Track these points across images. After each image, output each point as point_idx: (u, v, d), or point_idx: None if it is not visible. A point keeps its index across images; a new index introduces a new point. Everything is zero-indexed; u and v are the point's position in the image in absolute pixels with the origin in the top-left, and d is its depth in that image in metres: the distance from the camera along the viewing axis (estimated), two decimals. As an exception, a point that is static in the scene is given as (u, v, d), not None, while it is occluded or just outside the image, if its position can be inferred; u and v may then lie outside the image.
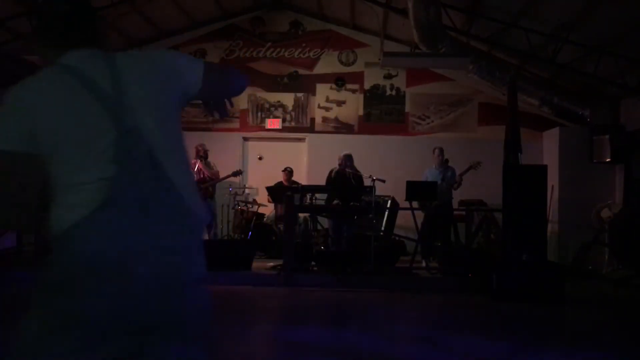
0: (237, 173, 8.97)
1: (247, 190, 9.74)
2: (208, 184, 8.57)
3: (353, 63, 10.45)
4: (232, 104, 1.80)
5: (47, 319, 1.36)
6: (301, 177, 9.78)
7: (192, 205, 1.45)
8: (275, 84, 10.47)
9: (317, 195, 8.25)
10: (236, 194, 9.35)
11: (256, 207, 9.19)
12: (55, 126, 1.35)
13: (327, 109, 10.44)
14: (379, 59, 8.86)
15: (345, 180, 7.81)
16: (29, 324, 1.39)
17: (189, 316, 1.44)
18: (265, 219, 9.27)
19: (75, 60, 1.43)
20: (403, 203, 7.88)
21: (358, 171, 7.92)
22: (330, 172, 8.05)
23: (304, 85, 10.46)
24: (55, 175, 1.36)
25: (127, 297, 1.32)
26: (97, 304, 1.31)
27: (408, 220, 8.02)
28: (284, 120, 10.42)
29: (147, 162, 1.38)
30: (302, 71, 10.47)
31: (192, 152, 8.65)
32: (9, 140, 1.33)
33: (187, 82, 1.54)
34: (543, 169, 6.64)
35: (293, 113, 10.46)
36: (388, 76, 10.39)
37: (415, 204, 7.68)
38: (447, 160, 8.27)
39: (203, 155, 8.72)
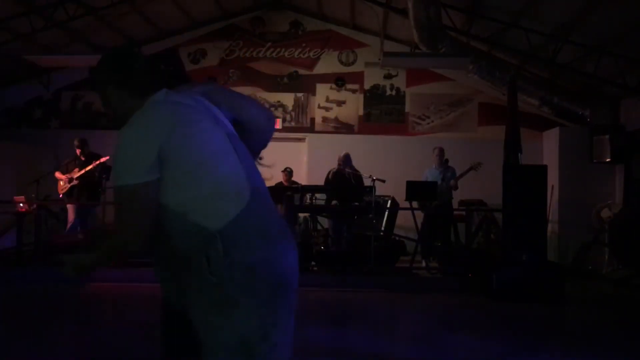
0: None
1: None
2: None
3: (353, 63, 10.45)
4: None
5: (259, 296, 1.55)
6: (301, 177, 9.77)
7: None
8: (275, 84, 10.47)
9: (317, 195, 8.25)
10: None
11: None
12: (197, 138, 1.58)
13: (327, 109, 10.44)
14: (379, 59, 8.85)
15: (344, 181, 7.81)
16: (245, 312, 1.53)
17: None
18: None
19: (175, 97, 1.68)
20: (403, 203, 7.88)
21: (357, 171, 7.92)
22: (328, 173, 8.04)
23: (304, 85, 10.46)
24: (202, 181, 1.55)
25: (290, 257, 1.65)
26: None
27: (408, 220, 8.02)
28: (284, 120, 10.42)
29: (250, 156, 1.74)
30: (302, 71, 10.47)
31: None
32: (145, 172, 1.52)
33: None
34: (543, 169, 6.64)
35: (293, 113, 10.46)
36: (388, 76, 10.39)
37: (415, 204, 7.67)
38: (447, 160, 8.26)
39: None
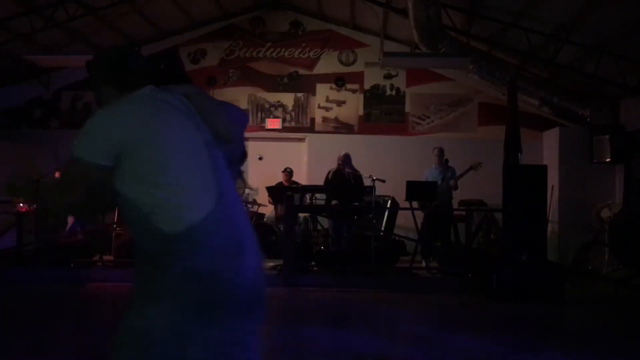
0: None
1: (247, 190, 9.74)
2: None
3: (353, 63, 10.45)
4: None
5: (184, 303, 1.49)
6: (301, 177, 9.77)
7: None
8: (275, 84, 10.47)
9: (317, 195, 8.24)
10: (236, 194, 9.33)
11: (256, 207, 9.19)
12: (167, 138, 1.57)
13: (327, 109, 10.44)
14: (379, 59, 8.85)
15: (344, 181, 7.80)
16: (160, 312, 1.49)
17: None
18: (265, 219, 9.27)
19: (161, 94, 1.66)
20: (403, 203, 7.87)
21: (357, 171, 7.92)
22: (328, 173, 8.04)
23: (304, 85, 10.46)
24: (162, 182, 1.53)
25: (248, 273, 1.57)
26: (233, 286, 1.53)
27: (408, 220, 8.02)
28: (284, 120, 10.42)
29: (224, 165, 1.68)
30: (302, 71, 10.47)
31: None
32: (100, 155, 1.52)
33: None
34: (543, 169, 6.64)
35: (293, 113, 10.46)
36: (388, 76, 10.39)
37: (415, 204, 7.67)
38: (447, 160, 8.26)
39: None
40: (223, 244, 1.54)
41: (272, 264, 7.62)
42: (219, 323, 1.51)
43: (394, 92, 10.40)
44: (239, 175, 2.04)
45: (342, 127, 10.40)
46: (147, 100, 1.62)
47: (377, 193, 7.85)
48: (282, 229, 8.20)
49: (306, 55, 10.48)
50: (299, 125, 10.43)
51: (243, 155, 2.02)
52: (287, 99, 10.45)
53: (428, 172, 8.24)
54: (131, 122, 1.54)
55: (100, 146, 1.51)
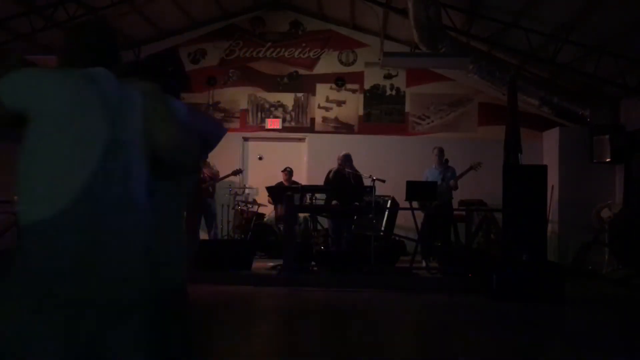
0: (237, 172, 8.97)
1: (247, 190, 9.74)
2: (208, 184, 8.56)
3: (353, 63, 10.45)
4: None
5: (25, 301, 1.43)
6: (301, 177, 9.78)
7: (139, 225, 1.59)
8: (275, 84, 10.47)
9: (317, 195, 8.24)
10: (236, 194, 9.35)
11: (256, 207, 9.19)
12: (59, 110, 1.49)
13: (327, 109, 10.44)
14: (379, 59, 8.86)
15: (344, 181, 7.80)
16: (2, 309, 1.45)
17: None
18: (265, 219, 9.27)
19: (94, 73, 1.60)
20: (403, 203, 7.87)
21: (357, 171, 7.91)
22: (329, 173, 8.04)
23: (304, 85, 10.46)
24: (27, 165, 1.49)
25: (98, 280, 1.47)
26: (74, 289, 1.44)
27: (408, 220, 8.02)
28: (284, 120, 10.42)
29: (122, 173, 1.54)
30: (302, 71, 10.47)
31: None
32: (8, 93, 1.52)
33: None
34: (543, 169, 6.64)
35: (293, 113, 10.46)
36: (388, 76, 10.39)
37: (415, 204, 7.67)
38: (447, 160, 8.26)
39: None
40: (73, 247, 1.43)
41: (272, 264, 7.63)
42: (64, 324, 1.43)
43: (394, 92, 10.40)
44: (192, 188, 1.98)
45: (342, 127, 10.40)
46: (71, 75, 1.57)
47: (377, 193, 7.84)
48: (282, 229, 8.21)
49: (306, 55, 10.48)
50: (299, 125, 10.43)
51: (191, 167, 1.83)
52: (287, 99, 10.45)
53: (428, 172, 8.24)
54: (39, 87, 1.52)
55: (12, 86, 1.52)
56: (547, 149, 9.57)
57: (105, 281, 1.48)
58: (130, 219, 1.55)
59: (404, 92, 10.40)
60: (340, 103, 10.44)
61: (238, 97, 10.44)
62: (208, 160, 8.79)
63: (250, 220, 8.88)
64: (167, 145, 1.65)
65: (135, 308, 1.53)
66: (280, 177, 9.18)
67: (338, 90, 10.45)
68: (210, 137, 1.92)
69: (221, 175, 8.82)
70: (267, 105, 10.46)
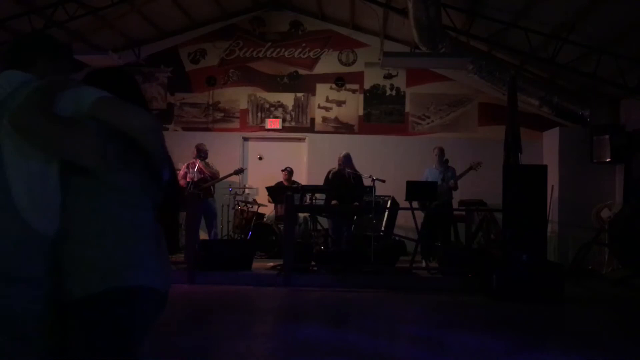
0: (239, 171, 8.97)
1: (247, 190, 9.74)
2: (209, 184, 8.56)
3: (353, 63, 10.45)
4: None
5: None
6: (301, 177, 9.78)
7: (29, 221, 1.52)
8: (275, 84, 10.47)
9: (317, 195, 8.24)
10: (236, 194, 9.35)
11: (256, 207, 9.19)
12: None
13: (327, 109, 10.44)
14: (379, 59, 8.86)
15: (343, 181, 7.80)
16: None
17: None
18: (265, 219, 9.27)
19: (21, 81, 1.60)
20: (403, 203, 7.88)
21: (357, 171, 7.92)
22: (328, 173, 8.04)
23: (304, 85, 10.46)
24: None
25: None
26: None
27: (408, 220, 8.02)
28: (284, 120, 10.42)
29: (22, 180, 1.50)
30: (302, 71, 10.47)
31: (192, 152, 8.66)
32: None
33: None
34: (543, 169, 6.64)
35: (293, 113, 10.46)
36: (388, 76, 10.39)
37: (415, 204, 7.68)
38: (447, 160, 8.26)
39: (203, 155, 8.66)
40: None
41: (272, 264, 7.63)
42: None
43: (394, 92, 10.41)
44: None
45: (342, 127, 10.40)
46: None
47: (377, 193, 7.85)
48: (282, 229, 8.21)
49: (306, 55, 10.48)
50: (299, 125, 10.43)
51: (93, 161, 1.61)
52: (287, 99, 10.45)
53: (428, 172, 8.24)
54: None
55: None
56: (547, 149, 9.57)
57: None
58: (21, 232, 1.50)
59: (404, 92, 10.40)
60: (340, 103, 10.44)
61: (238, 97, 10.44)
62: (207, 160, 8.80)
63: (250, 220, 8.88)
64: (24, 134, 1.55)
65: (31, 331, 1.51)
66: (280, 177, 9.18)
67: (338, 90, 10.45)
68: (135, 133, 1.63)
69: (222, 175, 8.82)
70: (267, 105, 10.46)
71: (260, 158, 10.41)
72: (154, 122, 1.68)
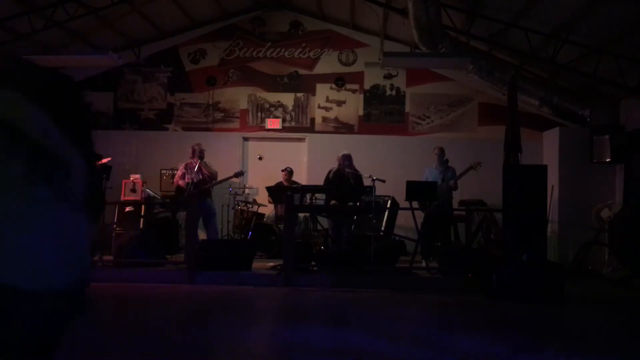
0: (239, 174, 8.95)
1: (247, 190, 9.74)
2: (209, 185, 8.54)
3: (353, 63, 10.46)
4: None
5: None
6: (301, 177, 9.78)
7: None
8: (275, 84, 10.47)
9: (317, 195, 8.24)
10: (236, 194, 9.34)
11: (256, 207, 9.19)
12: None
13: (327, 109, 10.45)
14: (379, 59, 8.86)
15: (344, 181, 7.80)
16: None
17: None
18: (265, 219, 9.27)
19: None
20: (403, 203, 7.87)
21: (357, 171, 7.91)
22: (329, 172, 8.04)
23: (304, 85, 10.46)
24: None
25: None
26: None
27: (408, 220, 8.02)
28: (284, 120, 10.42)
29: None
30: (302, 71, 10.47)
31: (188, 153, 8.63)
32: None
33: None
34: (543, 169, 6.64)
35: (293, 113, 10.46)
36: (388, 76, 10.39)
37: (415, 204, 7.68)
38: (447, 160, 8.26)
39: (200, 155, 8.59)
40: None
41: (272, 264, 7.63)
42: None
43: (394, 92, 10.41)
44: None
45: (342, 127, 10.40)
46: None
47: (377, 193, 7.85)
48: (282, 229, 8.20)
49: (306, 55, 10.48)
50: (299, 125, 10.43)
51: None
52: (287, 99, 10.45)
53: (428, 172, 8.23)
54: None
55: None
56: (547, 149, 9.57)
57: None
58: None
59: (404, 92, 10.41)
60: (340, 103, 10.45)
61: (238, 97, 10.45)
62: (205, 160, 8.74)
63: (250, 220, 8.88)
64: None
65: None
66: (280, 177, 9.18)
67: (338, 90, 10.45)
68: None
69: (222, 177, 8.73)
70: (267, 105, 10.46)
71: (260, 158, 10.42)
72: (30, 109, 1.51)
